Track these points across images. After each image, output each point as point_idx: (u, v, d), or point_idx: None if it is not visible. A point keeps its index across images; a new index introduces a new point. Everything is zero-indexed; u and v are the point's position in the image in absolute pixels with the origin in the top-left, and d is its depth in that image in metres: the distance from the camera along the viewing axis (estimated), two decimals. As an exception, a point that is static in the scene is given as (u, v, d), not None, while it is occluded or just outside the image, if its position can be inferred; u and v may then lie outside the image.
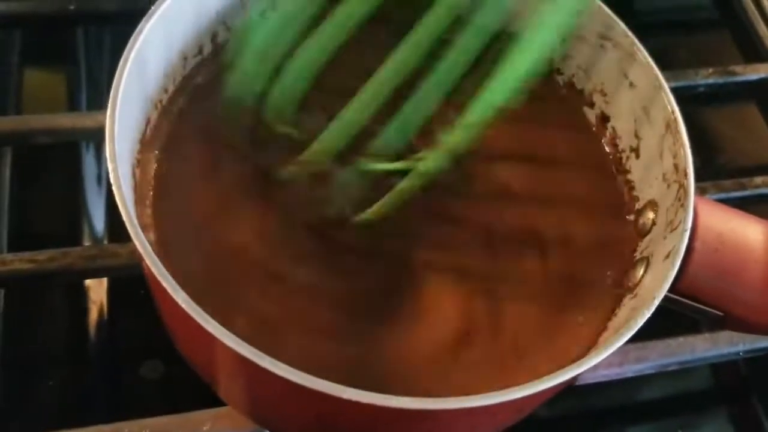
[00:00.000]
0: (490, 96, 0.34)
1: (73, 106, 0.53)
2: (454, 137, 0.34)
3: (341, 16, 0.36)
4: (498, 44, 0.36)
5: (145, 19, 0.34)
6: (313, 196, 0.36)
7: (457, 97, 0.35)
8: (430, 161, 0.34)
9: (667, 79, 0.37)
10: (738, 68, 0.54)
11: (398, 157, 0.35)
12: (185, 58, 0.38)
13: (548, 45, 0.36)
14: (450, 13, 0.37)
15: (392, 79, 0.36)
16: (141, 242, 0.29)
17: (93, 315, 0.45)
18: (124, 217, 0.29)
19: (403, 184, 0.35)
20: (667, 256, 0.33)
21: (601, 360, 0.30)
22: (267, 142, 0.36)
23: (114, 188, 0.30)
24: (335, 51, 0.36)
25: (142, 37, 0.34)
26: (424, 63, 0.36)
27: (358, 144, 0.35)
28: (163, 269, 0.28)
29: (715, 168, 0.55)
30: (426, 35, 0.36)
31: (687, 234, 0.33)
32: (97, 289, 0.45)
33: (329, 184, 0.35)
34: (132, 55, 0.33)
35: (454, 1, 0.37)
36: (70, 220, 0.48)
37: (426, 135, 0.35)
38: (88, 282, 0.45)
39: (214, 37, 0.39)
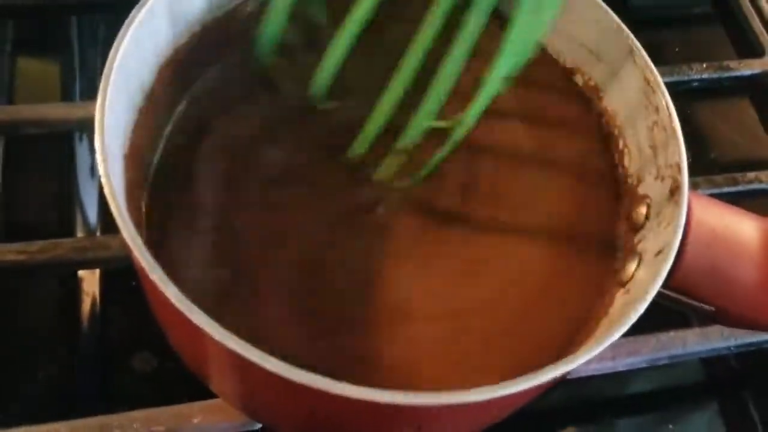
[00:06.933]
0: (496, 74, 0.35)
1: (66, 96, 0.53)
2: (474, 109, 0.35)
3: None
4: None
5: (137, 6, 0.34)
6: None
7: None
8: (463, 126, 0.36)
9: (661, 74, 0.37)
10: (732, 63, 0.54)
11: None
12: (179, 47, 0.37)
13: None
14: None
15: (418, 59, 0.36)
16: (130, 234, 0.28)
17: (85, 306, 0.44)
18: (113, 209, 0.29)
19: (444, 151, 0.36)
20: (660, 252, 0.33)
21: (594, 355, 0.30)
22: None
23: (103, 180, 0.29)
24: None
25: (134, 25, 0.33)
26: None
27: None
28: (153, 261, 0.28)
29: (707, 163, 0.55)
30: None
31: (680, 230, 0.33)
32: (90, 281, 0.45)
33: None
34: (124, 43, 0.33)
35: None
36: (62, 212, 0.48)
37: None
38: (80, 273, 0.45)
39: (207, 23, 0.39)
